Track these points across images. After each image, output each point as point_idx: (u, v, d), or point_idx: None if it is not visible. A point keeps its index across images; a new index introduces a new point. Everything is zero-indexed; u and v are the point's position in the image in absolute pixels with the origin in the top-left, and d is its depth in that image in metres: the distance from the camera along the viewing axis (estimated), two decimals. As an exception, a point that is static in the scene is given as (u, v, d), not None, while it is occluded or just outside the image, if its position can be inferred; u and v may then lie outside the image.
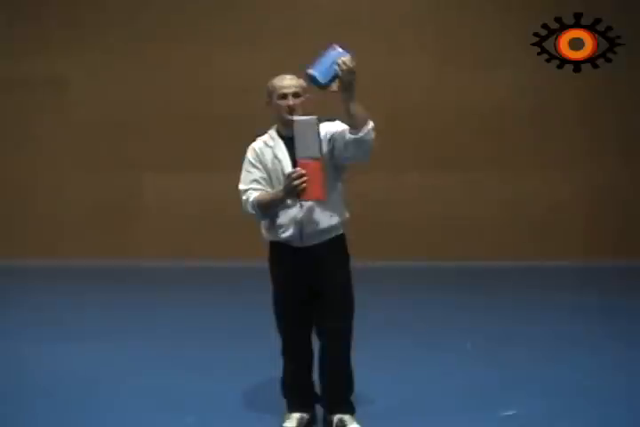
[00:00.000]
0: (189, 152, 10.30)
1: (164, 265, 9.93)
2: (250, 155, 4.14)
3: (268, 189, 4.06)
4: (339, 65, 3.77)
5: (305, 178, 3.75)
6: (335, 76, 3.79)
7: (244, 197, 4.09)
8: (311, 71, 3.80)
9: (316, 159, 3.77)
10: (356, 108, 3.81)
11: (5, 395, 4.87)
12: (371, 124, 3.85)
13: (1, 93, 10.41)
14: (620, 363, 5.54)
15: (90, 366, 5.52)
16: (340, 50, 3.85)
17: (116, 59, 10.33)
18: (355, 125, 3.83)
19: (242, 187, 4.11)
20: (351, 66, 3.79)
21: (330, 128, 4.02)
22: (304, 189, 3.77)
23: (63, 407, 4.63)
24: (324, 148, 3.94)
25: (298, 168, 3.79)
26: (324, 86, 3.79)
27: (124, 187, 10.42)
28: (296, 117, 3.83)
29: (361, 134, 3.82)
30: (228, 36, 10.28)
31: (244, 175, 4.13)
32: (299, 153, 3.79)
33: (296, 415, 4.24)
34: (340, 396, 4.21)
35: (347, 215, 4.15)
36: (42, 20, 10.33)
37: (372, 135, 3.85)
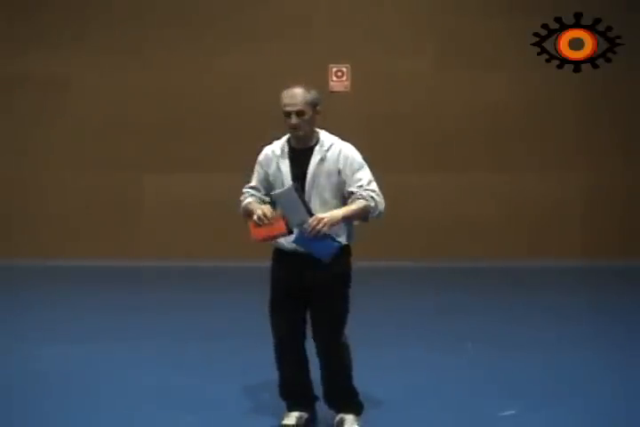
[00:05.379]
0: (189, 152, 10.29)
1: (164, 265, 9.93)
2: (260, 157, 4.25)
3: (265, 198, 4.18)
4: (310, 231, 3.85)
5: (264, 222, 3.91)
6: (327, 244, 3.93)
7: (240, 198, 4.27)
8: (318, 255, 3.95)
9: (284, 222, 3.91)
10: (354, 218, 4.05)
11: (5, 395, 4.87)
12: (374, 213, 4.04)
13: (1, 93, 10.41)
14: (618, 363, 5.55)
15: (90, 365, 5.52)
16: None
17: (117, 59, 10.31)
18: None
19: (244, 188, 4.29)
20: (318, 228, 3.83)
21: (345, 168, 4.06)
22: (254, 226, 3.96)
23: (63, 407, 4.63)
24: (335, 179, 4.04)
25: (272, 214, 3.93)
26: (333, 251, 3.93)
27: (124, 187, 10.40)
28: (272, 192, 4.04)
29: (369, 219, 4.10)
30: (228, 37, 10.27)
31: (253, 175, 4.28)
32: (291, 223, 3.90)
33: (295, 414, 4.26)
34: (341, 396, 4.23)
35: (348, 241, 4.12)
36: (42, 20, 10.32)
37: (377, 215, 4.08)
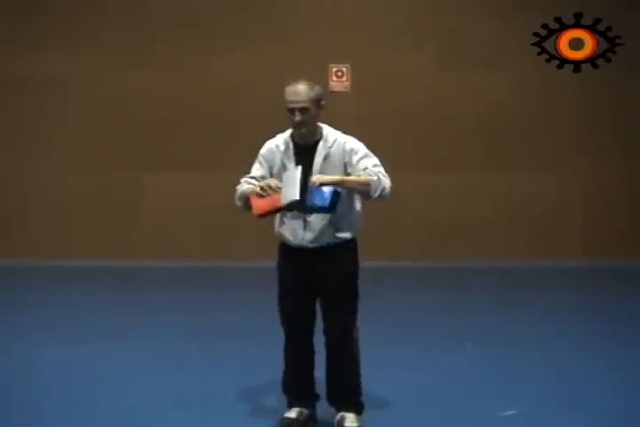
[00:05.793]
0: (189, 152, 10.29)
1: (164, 265, 9.93)
2: (263, 150, 4.21)
3: None
4: (314, 183, 3.86)
5: (267, 193, 3.88)
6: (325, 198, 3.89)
7: (237, 187, 4.20)
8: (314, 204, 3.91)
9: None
10: (355, 187, 3.99)
11: (7, 395, 4.87)
12: (378, 189, 3.99)
13: (1, 93, 10.41)
14: (618, 363, 5.55)
15: (90, 365, 5.52)
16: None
17: (116, 59, 10.31)
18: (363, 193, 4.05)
19: (242, 179, 4.22)
20: (317, 178, 3.88)
21: (352, 159, 4.04)
22: (255, 199, 3.94)
23: (63, 407, 4.63)
24: (340, 173, 4.01)
25: (272, 184, 3.89)
26: (332, 206, 3.89)
27: (124, 187, 10.40)
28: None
29: (373, 196, 4.02)
30: (228, 37, 10.27)
31: (254, 166, 4.22)
32: (285, 197, 3.88)
33: (296, 409, 4.27)
34: (344, 393, 4.23)
35: (352, 235, 4.13)
36: (42, 20, 10.32)
37: (381, 193, 4.02)
